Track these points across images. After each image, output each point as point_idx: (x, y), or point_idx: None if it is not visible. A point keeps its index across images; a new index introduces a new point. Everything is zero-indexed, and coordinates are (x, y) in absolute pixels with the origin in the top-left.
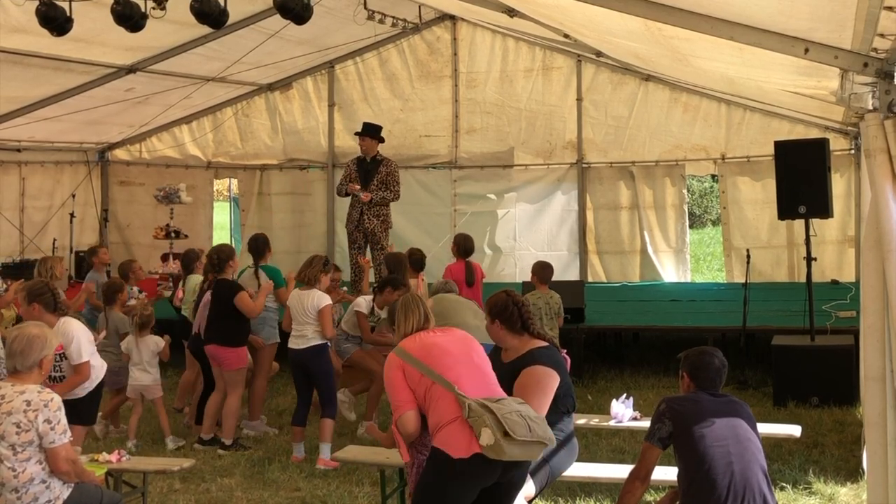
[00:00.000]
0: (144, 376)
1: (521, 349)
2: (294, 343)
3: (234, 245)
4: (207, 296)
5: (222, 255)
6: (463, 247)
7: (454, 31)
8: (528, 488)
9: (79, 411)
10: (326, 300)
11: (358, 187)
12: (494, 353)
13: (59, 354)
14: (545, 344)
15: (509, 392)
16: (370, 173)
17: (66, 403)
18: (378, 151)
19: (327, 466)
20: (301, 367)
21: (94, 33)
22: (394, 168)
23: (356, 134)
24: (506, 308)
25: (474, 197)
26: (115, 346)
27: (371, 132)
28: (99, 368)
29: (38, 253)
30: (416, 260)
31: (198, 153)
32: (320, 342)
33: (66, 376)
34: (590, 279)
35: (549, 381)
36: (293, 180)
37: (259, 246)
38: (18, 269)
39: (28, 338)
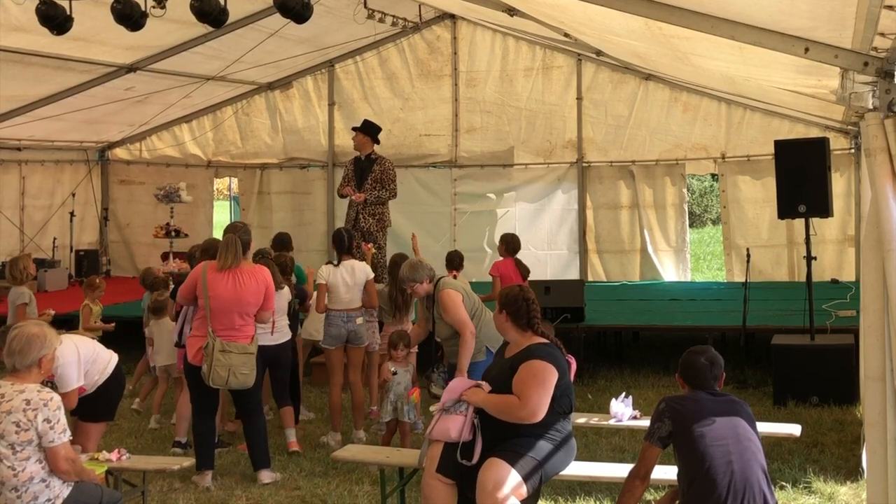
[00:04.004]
0: (163, 357)
1: (521, 344)
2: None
3: None
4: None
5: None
6: (511, 245)
7: (454, 31)
8: (520, 490)
9: (92, 407)
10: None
11: (351, 190)
12: (500, 350)
13: (51, 382)
14: (546, 341)
15: (509, 388)
16: (365, 172)
17: (81, 399)
18: (373, 150)
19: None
20: (272, 362)
21: (94, 32)
22: (388, 166)
23: (353, 128)
24: (515, 302)
25: (474, 196)
26: None
27: (365, 129)
28: (101, 368)
29: (38, 252)
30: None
31: (198, 152)
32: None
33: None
34: (590, 278)
35: (547, 375)
36: (293, 179)
37: (282, 245)
38: None
39: (27, 337)
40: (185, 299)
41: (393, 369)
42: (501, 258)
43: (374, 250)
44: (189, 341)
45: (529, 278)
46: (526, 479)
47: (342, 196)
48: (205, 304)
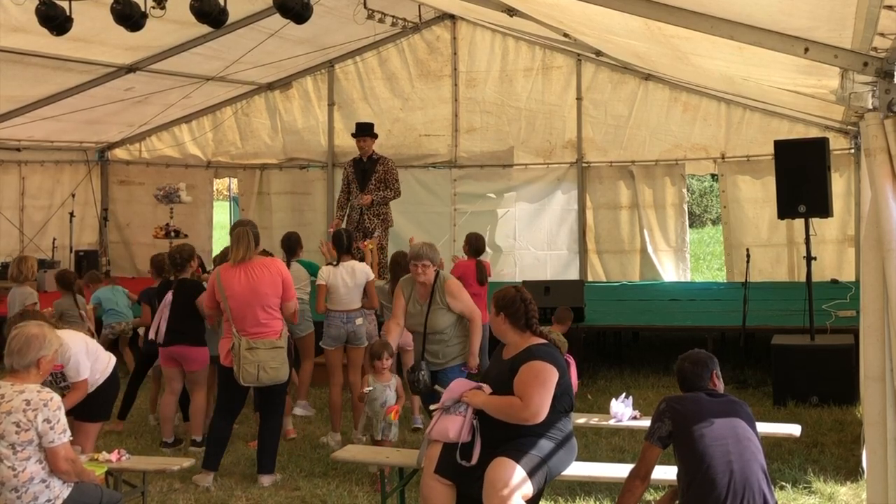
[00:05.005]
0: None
1: (520, 345)
2: None
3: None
4: (168, 297)
5: (184, 255)
6: (474, 246)
7: (454, 31)
8: (526, 488)
9: (90, 407)
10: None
11: (341, 214)
12: (497, 352)
13: (60, 373)
14: (545, 341)
15: (510, 389)
16: (367, 173)
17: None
18: (374, 150)
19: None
20: None
21: (94, 33)
22: (391, 165)
23: (353, 135)
24: (513, 303)
25: (474, 196)
26: None
27: (369, 131)
28: (101, 367)
29: (38, 252)
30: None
31: (197, 152)
32: None
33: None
34: (589, 278)
35: (549, 376)
36: (293, 179)
37: (292, 244)
38: None
39: (26, 337)
40: (211, 310)
41: (371, 386)
42: (464, 258)
43: (371, 246)
44: (221, 343)
45: (527, 278)
46: (531, 475)
47: (344, 208)
48: (224, 307)
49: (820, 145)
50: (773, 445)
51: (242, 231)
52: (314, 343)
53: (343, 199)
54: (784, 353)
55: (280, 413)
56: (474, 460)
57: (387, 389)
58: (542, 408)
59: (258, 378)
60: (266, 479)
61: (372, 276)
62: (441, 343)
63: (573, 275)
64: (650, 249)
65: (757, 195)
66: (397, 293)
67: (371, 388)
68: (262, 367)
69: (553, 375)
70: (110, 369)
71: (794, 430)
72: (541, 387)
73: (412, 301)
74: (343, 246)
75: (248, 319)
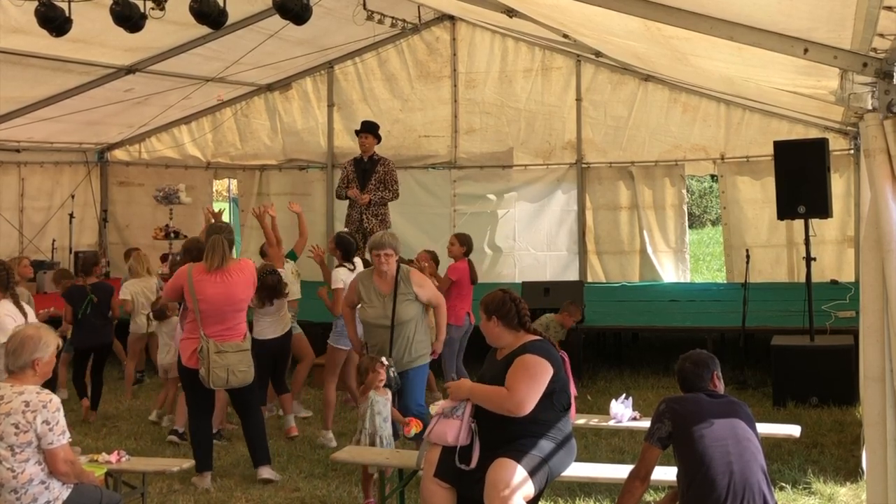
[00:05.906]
0: (164, 357)
1: (514, 344)
2: (272, 332)
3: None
4: None
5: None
6: (469, 247)
7: (453, 32)
8: (527, 489)
9: None
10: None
11: (357, 192)
12: (491, 354)
13: None
14: (539, 338)
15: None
16: (368, 173)
17: None
18: (375, 151)
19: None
20: (277, 353)
21: (94, 34)
22: (391, 167)
23: (357, 132)
24: (503, 305)
25: (474, 197)
26: None
27: (372, 129)
28: None
29: (37, 253)
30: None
31: (197, 153)
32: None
33: None
34: (589, 279)
35: (539, 369)
36: (292, 181)
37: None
38: None
39: (22, 338)
40: (169, 299)
41: (377, 398)
42: (455, 260)
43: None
44: (182, 345)
45: (527, 279)
46: (532, 475)
47: (345, 198)
48: (194, 308)
49: (819, 146)
50: (772, 446)
51: (217, 239)
52: (308, 343)
53: (341, 192)
54: (784, 354)
55: (257, 406)
56: (473, 463)
57: (388, 403)
58: (526, 399)
59: (227, 381)
60: (265, 471)
61: None
62: (405, 339)
63: (573, 276)
64: (650, 250)
65: (756, 196)
66: (351, 287)
67: (375, 400)
68: (231, 370)
69: (544, 369)
70: None
71: (794, 430)
72: (529, 378)
73: (374, 295)
74: (351, 254)
75: (217, 323)
